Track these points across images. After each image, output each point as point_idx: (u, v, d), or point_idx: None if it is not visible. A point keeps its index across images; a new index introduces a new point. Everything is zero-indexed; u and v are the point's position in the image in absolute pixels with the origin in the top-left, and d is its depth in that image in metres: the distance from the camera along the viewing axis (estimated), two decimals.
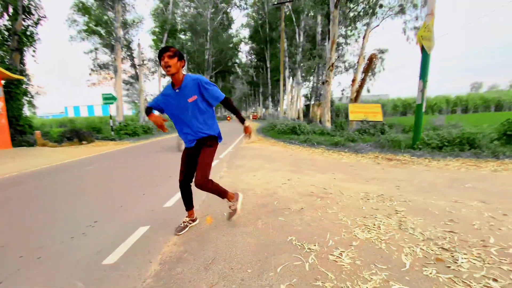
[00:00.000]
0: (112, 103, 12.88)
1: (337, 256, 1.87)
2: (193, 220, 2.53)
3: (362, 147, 7.20)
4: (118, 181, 4.48)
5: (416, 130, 6.77)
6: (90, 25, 20.55)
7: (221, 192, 2.30)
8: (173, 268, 1.82)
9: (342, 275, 1.66)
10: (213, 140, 2.24)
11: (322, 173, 4.57)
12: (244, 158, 6.37)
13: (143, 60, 20.38)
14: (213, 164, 5.66)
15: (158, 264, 1.88)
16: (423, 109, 6.57)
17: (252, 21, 35.71)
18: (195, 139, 2.20)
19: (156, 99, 2.22)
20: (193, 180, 2.20)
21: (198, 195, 3.45)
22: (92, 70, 22.04)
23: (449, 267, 1.76)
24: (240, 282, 1.64)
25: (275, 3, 25.84)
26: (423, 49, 6.26)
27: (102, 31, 20.46)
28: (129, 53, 23.63)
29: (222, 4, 35.55)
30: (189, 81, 2.09)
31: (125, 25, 20.25)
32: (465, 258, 1.85)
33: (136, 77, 23.82)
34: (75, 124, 14.79)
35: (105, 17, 19.32)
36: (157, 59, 26.68)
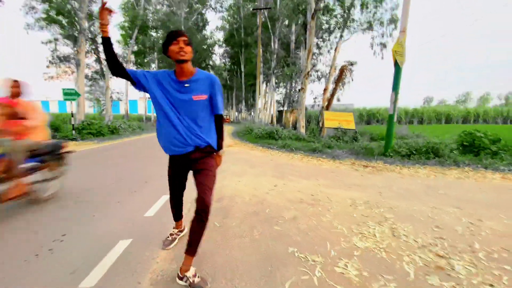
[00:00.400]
0: (74, 99, 11.76)
1: (343, 268, 1.82)
2: (181, 231, 2.31)
3: (339, 153, 7.42)
4: (86, 187, 4.01)
5: (388, 139, 7.16)
6: (51, 13, 18.75)
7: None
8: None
9: None
10: (213, 153, 1.86)
11: (306, 179, 4.58)
12: (224, 162, 6.17)
13: None
14: None
15: (150, 286, 1.65)
16: (395, 119, 6.98)
17: (227, 24, 35.62)
18: (190, 144, 1.75)
19: (140, 72, 1.74)
20: (198, 198, 1.69)
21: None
22: (50, 62, 20.08)
23: (449, 274, 1.79)
24: None
25: (252, 9, 26.11)
26: (396, 63, 6.68)
27: (64, 21, 18.78)
28: (95, 47, 22.00)
29: (197, 5, 34.98)
30: (202, 76, 1.75)
31: (91, 16, 18.81)
32: (460, 265, 1.91)
33: (101, 73, 22.22)
34: None
35: (69, 6, 17.78)
36: (125, 54, 25.40)
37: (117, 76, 1.69)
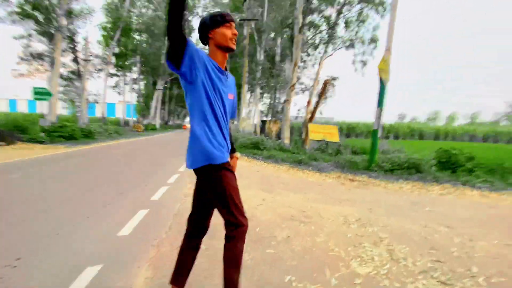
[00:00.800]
0: (46, 99, 10.94)
1: None
2: None
3: (324, 166, 7.39)
4: (50, 198, 3.56)
5: (372, 153, 7.25)
6: (26, 7, 17.65)
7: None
8: None
9: None
10: None
11: (295, 193, 4.41)
12: None
13: (90, 55, 18.22)
14: (173, 179, 5.07)
15: None
16: (379, 134, 7.10)
17: None
18: (228, 150, 1.46)
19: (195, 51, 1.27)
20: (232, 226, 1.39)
21: (162, 219, 2.91)
22: (22, 59, 18.77)
23: None
24: None
25: (239, 19, 26.35)
26: (380, 80, 6.85)
27: (41, 17, 17.73)
28: (72, 46, 20.94)
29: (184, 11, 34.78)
30: (230, 74, 1.49)
31: (70, 14, 17.94)
32: None
33: (77, 74, 21.10)
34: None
35: (46, 2, 16.84)
36: (105, 54, 24.39)
37: (172, 35, 1.19)
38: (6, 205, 3.18)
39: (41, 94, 10.74)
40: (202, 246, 2.01)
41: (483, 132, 44.87)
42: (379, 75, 6.80)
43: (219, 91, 1.34)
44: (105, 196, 3.71)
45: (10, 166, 5.62)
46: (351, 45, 18.99)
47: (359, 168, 7.24)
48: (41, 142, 10.06)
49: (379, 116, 6.98)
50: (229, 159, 1.43)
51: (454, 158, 7.53)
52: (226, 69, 1.42)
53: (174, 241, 2.38)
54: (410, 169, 6.97)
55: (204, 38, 1.38)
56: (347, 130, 40.71)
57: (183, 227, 2.66)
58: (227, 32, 1.33)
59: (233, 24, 1.37)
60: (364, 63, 19.09)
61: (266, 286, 1.75)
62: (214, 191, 1.37)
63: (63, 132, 11.01)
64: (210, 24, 1.34)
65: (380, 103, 6.95)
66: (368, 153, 7.55)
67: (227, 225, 1.39)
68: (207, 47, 1.44)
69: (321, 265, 2.06)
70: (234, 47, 1.36)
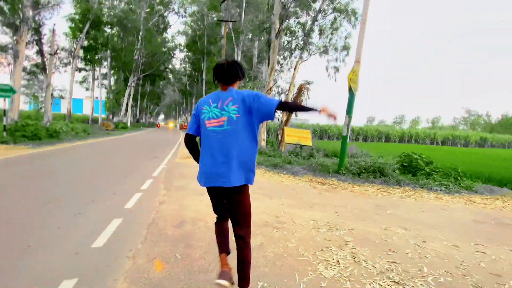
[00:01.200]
0: (8, 96, 10.06)
1: None
2: None
3: (298, 170, 7.69)
4: (16, 205, 3.38)
5: (341, 158, 7.68)
6: None
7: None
8: None
9: None
10: None
11: (270, 198, 4.59)
12: (183, 177, 5.86)
13: (56, 49, 17.04)
14: (147, 184, 5.00)
15: None
16: (348, 140, 7.54)
17: (190, 30, 34.97)
18: None
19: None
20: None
21: (137, 228, 2.91)
22: None
23: None
24: None
25: (216, 20, 26.16)
26: (350, 89, 7.29)
27: (6, 7, 16.20)
28: (37, 38, 19.39)
29: (159, 7, 33.73)
30: None
31: (37, 4, 16.60)
32: None
33: (42, 67, 19.57)
34: None
35: None
36: (73, 48, 22.91)
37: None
38: None
39: (3, 91, 9.86)
40: (178, 255, 2.05)
41: (443, 135, 48.92)
42: (349, 84, 7.23)
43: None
44: (75, 203, 3.59)
45: None
46: (325, 51, 19.76)
47: (330, 171, 7.63)
48: (3, 143, 9.27)
49: (347, 123, 7.41)
50: None
51: (415, 162, 8.22)
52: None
53: (151, 251, 2.41)
54: (375, 173, 7.49)
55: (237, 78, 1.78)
56: (320, 133, 42.17)
57: (158, 237, 2.71)
58: None
59: None
60: (337, 69, 19.94)
61: None
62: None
63: (26, 132, 10.22)
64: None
65: (349, 111, 7.38)
66: (339, 156, 7.98)
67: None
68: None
69: (291, 270, 2.23)
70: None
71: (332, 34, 18.82)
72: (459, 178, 7.45)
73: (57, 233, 2.66)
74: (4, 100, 10.35)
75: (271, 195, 4.83)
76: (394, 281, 2.20)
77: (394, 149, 17.63)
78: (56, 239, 2.54)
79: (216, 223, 1.94)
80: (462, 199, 5.75)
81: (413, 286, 2.14)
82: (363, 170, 7.64)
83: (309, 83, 20.54)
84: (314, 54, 19.54)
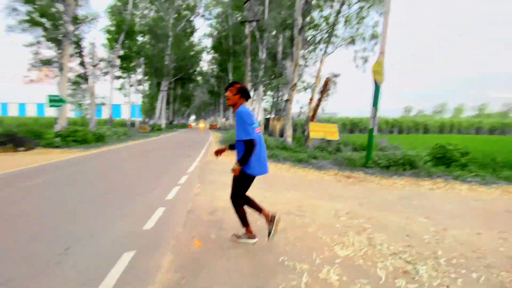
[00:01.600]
0: (60, 105, 11.57)
1: (326, 274, 2.10)
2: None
3: (324, 164, 7.82)
4: (81, 196, 4.10)
5: (368, 151, 7.65)
6: (34, 15, 18.30)
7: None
8: None
9: None
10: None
11: (294, 190, 4.88)
12: (214, 172, 6.37)
13: (97, 60, 18.83)
14: (183, 179, 5.58)
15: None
16: (375, 132, 7.49)
17: (216, 32, 36.01)
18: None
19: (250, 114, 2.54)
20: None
21: (178, 215, 3.40)
22: (32, 65, 19.50)
23: (414, 278, 2.12)
24: None
25: (240, 21, 26.66)
26: (375, 81, 7.22)
27: (48, 24, 18.37)
28: (78, 51, 21.60)
29: (186, 12, 35.23)
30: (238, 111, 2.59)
31: (76, 20, 18.54)
32: (424, 269, 2.25)
33: (84, 77, 21.78)
34: (10, 126, 12.50)
35: (53, 9, 17.44)
36: (110, 57, 25.07)
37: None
38: (52, 202, 3.72)
39: (55, 101, 11.38)
40: (212, 236, 2.47)
41: (490, 124, 44.50)
42: (374, 77, 7.17)
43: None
44: (126, 196, 4.23)
45: (39, 169, 6.21)
46: (352, 42, 19.20)
47: (357, 165, 7.65)
48: (57, 147, 10.70)
49: (374, 115, 7.36)
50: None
51: (449, 153, 7.87)
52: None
53: (190, 233, 2.89)
54: (404, 166, 7.35)
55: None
56: (351, 126, 40.84)
57: (196, 222, 3.17)
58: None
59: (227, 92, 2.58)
60: (365, 60, 19.26)
61: (263, 264, 2.23)
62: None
63: (76, 137, 11.65)
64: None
65: (374, 103, 7.32)
66: (366, 149, 7.94)
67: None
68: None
69: (309, 249, 2.53)
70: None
71: (358, 23, 18.25)
72: (498, 168, 7.02)
73: (115, 219, 3.25)
74: (55, 109, 11.87)
75: (295, 188, 5.11)
76: (406, 261, 2.39)
77: (430, 140, 16.64)
78: (115, 223, 3.12)
79: (242, 204, 2.62)
80: (499, 190, 5.49)
81: (423, 265, 2.32)
82: (391, 163, 7.53)
83: (336, 76, 20.14)
84: (340, 46, 19.11)
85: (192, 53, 37.16)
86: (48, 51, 18.91)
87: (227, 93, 2.55)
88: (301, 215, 3.50)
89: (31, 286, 1.91)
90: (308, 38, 18.74)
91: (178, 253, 2.43)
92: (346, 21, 17.64)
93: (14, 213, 3.36)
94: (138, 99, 35.33)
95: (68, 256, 2.32)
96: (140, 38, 32.04)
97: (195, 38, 39.77)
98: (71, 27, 16.56)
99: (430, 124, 43.01)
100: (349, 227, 3.19)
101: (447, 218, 3.65)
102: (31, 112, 57.38)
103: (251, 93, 27.89)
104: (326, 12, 17.38)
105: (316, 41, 19.51)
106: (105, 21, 31.13)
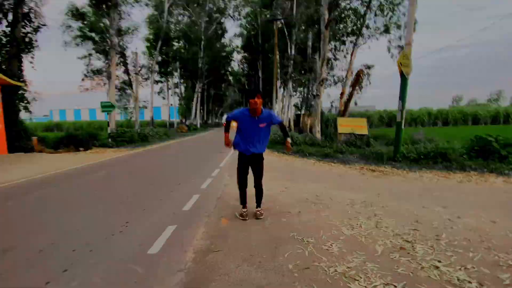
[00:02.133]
0: (111, 111, 13.23)
1: (328, 246, 2.50)
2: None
3: (350, 158, 7.94)
4: (133, 186, 4.97)
5: (396, 144, 7.58)
6: (84, 30, 20.83)
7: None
8: (206, 255, 2.39)
9: (332, 258, 2.29)
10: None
11: (315, 183, 5.23)
12: None
13: (140, 68, 20.77)
14: (215, 173, 6.26)
15: (193, 253, 2.44)
16: (403, 126, 7.40)
17: (245, 31, 36.76)
18: (252, 152, 3.21)
19: (234, 114, 3.31)
20: (256, 182, 3.31)
21: (210, 200, 4.02)
22: (85, 75, 22.22)
23: (409, 253, 2.41)
24: (258, 264, 2.23)
25: (268, 20, 26.96)
26: (402, 74, 7.13)
27: (97, 37, 20.77)
28: (123, 60, 23.98)
29: (216, 14, 36.56)
30: (265, 114, 3.15)
31: (120, 32, 20.64)
32: (421, 247, 2.51)
33: (129, 84, 24.12)
34: (70, 130, 14.72)
35: (101, 24, 19.68)
36: (150, 64, 27.39)
37: None
38: (113, 190, 4.63)
39: (107, 107, 13.04)
40: (237, 215, 3.01)
41: None
42: (400, 69, 7.09)
43: (247, 124, 3.17)
44: (168, 186, 5.01)
45: (96, 166, 7.43)
46: (386, 31, 18.37)
47: (384, 159, 7.62)
48: (110, 147, 12.30)
49: (401, 108, 7.27)
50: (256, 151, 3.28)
51: (490, 145, 7.43)
52: (258, 112, 3.11)
53: (219, 213, 3.48)
54: (436, 158, 7.16)
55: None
56: (388, 119, 38.69)
57: (224, 206, 3.75)
58: (252, 101, 3.06)
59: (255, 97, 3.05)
60: (401, 48, 18.30)
61: (277, 237, 2.70)
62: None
63: (125, 137, 13.21)
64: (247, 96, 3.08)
65: (402, 96, 7.23)
66: (393, 142, 7.87)
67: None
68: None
69: (318, 229, 2.93)
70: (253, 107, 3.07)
71: (392, 11, 17.41)
72: None
73: (160, 202, 3.98)
74: (108, 114, 13.57)
75: (317, 180, 5.45)
76: (406, 240, 2.66)
77: (475, 132, 15.29)
78: (161, 205, 3.84)
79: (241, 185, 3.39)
80: None
81: (422, 244, 2.57)
82: (422, 156, 7.38)
83: (369, 67, 19.46)
84: (373, 36, 18.41)
85: (223, 54, 38.49)
86: (98, 62, 21.41)
87: (258, 100, 3.03)
88: (317, 203, 3.88)
89: (105, 245, 2.64)
90: (339, 31, 18.35)
91: (209, 227, 3.02)
92: (380, 9, 16.95)
93: (83, 199, 4.29)
94: (175, 101, 37.81)
95: (127, 227, 3.05)
96: (175, 44, 34.17)
97: (225, 39, 41.05)
98: (116, 39, 18.55)
99: (481, 114, 38.83)
100: (360, 213, 3.48)
101: (466, 208, 3.69)
102: (85, 116, 64.53)
103: (281, 90, 28.10)
104: (355, 3, 16.90)
105: (347, 33, 19.02)
106: (144, 31, 33.82)
